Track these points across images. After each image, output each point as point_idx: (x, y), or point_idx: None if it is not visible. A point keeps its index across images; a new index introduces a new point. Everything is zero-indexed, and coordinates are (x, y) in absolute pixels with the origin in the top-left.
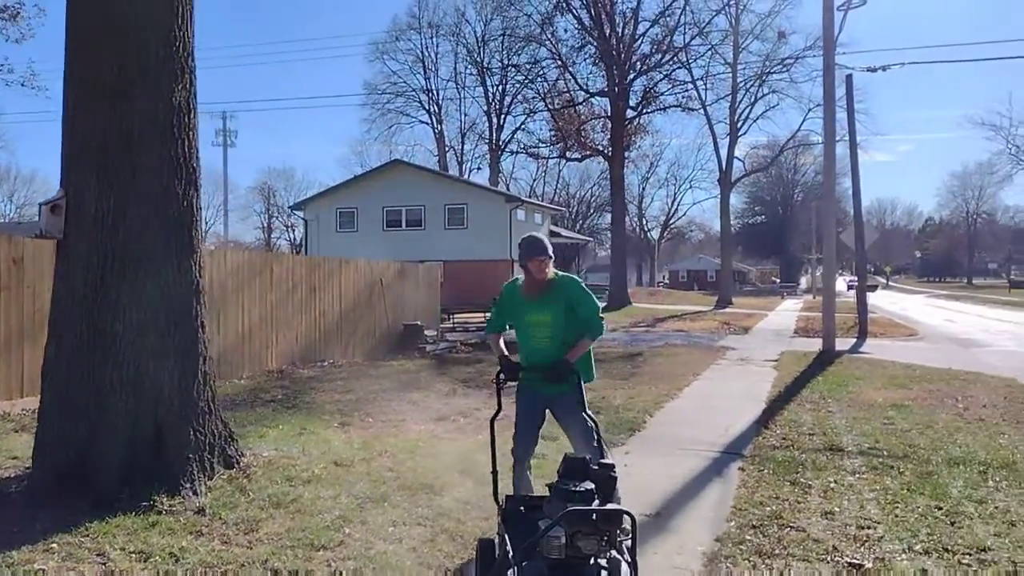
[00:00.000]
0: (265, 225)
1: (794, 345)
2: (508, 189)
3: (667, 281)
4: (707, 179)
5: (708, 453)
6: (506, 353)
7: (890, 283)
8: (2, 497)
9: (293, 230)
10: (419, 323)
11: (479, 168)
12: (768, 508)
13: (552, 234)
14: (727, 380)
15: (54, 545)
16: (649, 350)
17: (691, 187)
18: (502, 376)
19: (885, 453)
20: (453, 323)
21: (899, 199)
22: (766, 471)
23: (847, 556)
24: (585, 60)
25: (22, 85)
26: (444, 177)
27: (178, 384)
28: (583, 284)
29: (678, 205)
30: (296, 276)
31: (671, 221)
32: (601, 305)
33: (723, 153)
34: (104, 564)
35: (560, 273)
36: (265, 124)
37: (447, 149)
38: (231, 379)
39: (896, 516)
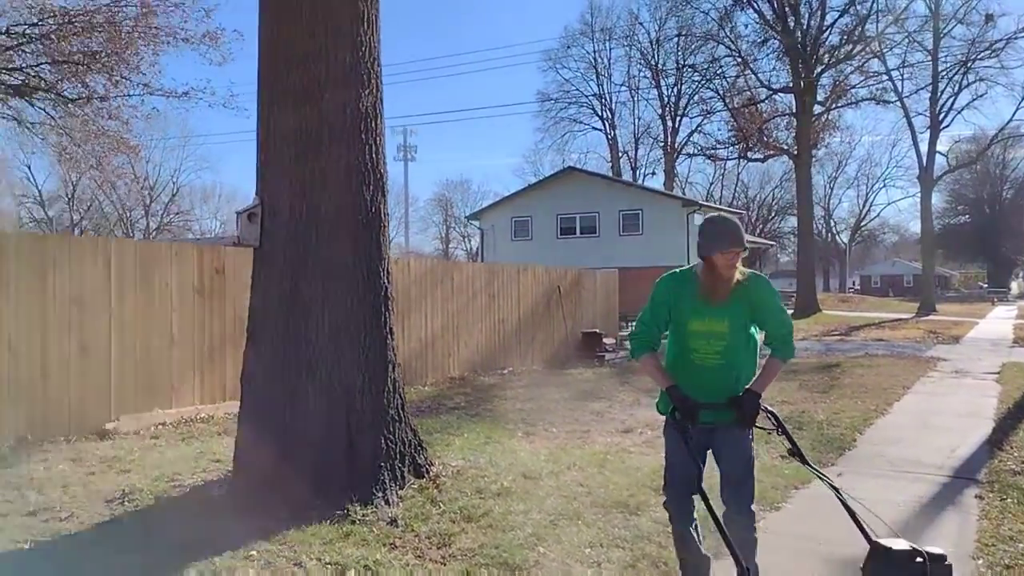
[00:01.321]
0: (443, 236)
1: (1015, 356)
2: (684, 193)
3: (858, 287)
4: (903, 177)
5: (934, 477)
6: (675, 383)
7: None
8: (206, 501)
9: (469, 240)
10: (598, 331)
11: (653, 173)
12: (1021, 544)
13: None
14: (943, 395)
15: (254, 552)
16: (847, 360)
17: (884, 186)
18: (677, 415)
19: None
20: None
21: None
22: (1010, 500)
23: None
24: (767, 55)
25: (223, 106)
26: (618, 183)
27: (369, 391)
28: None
29: (870, 206)
30: (476, 284)
31: (862, 223)
32: (788, 312)
33: (923, 148)
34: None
35: (746, 271)
36: (442, 137)
37: (621, 155)
38: (415, 386)
39: None
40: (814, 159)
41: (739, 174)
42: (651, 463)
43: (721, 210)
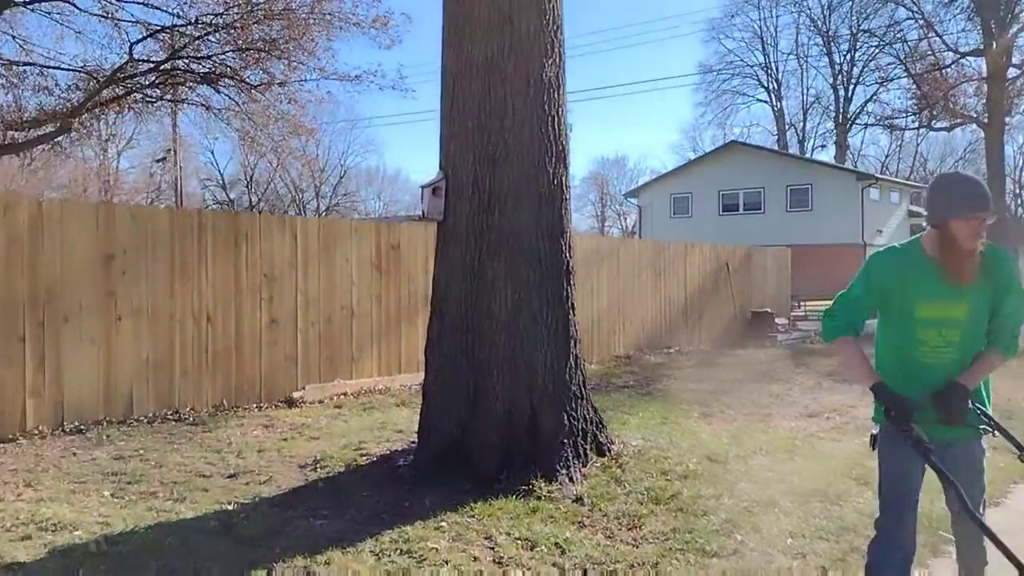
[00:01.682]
0: (599, 214)
1: None
2: (856, 167)
3: None
4: None
5: None
6: (880, 380)
7: None
8: (392, 471)
9: (625, 218)
10: (769, 310)
11: (823, 146)
12: None
13: (912, 214)
14: None
15: (443, 524)
16: None
17: None
18: (892, 414)
19: None
20: (805, 311)
21: None
22: None
23: None
24: (955, 16)
25: (392, 88)
26: (785, 156)
27: (551, 367)
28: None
29: None
30: (642, 261)
31: None
32: None
33: None
34: (492, 549)
35: (988, 243)
36: (597, 114)
37: (787, 127)
38: None
39: None
40: (1007, 127)
41: (918, 146)
42: (846, 450)
43: (903, 184)
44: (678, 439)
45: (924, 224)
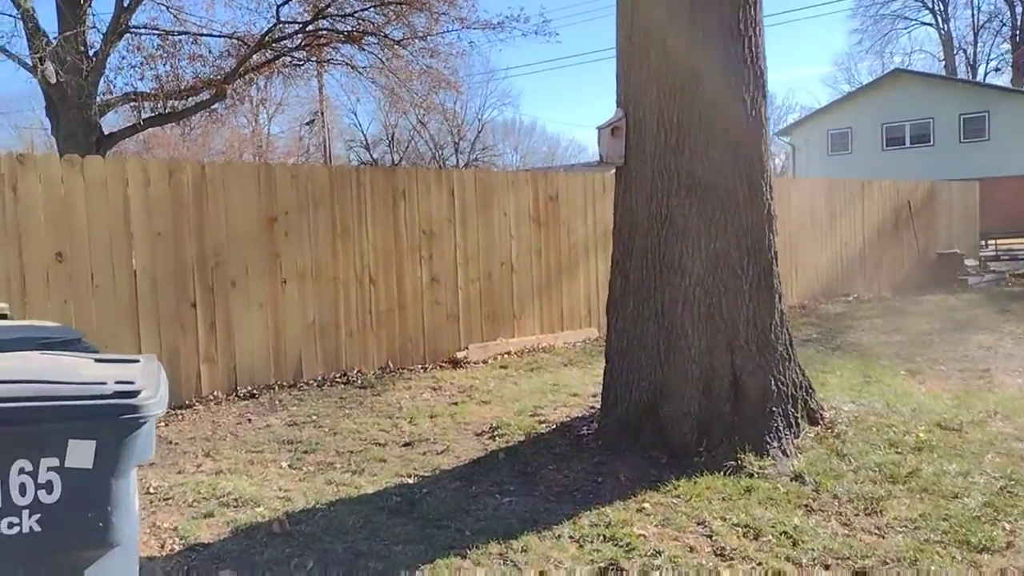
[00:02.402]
0: None
1: None
2: None
3: None
4: None
5: None
6: None
7: None
8: (576, 441)
9: (773, 159)
10: (957, 251)
11: (998, 69)
12: None
13: None
14: None
15: (646, 505)
16: None
17: None
18: None
19: None
20: (996, 250)
21: None
22: None
23: None
24: None
25: (536, 33)
26: (956, 82)
27: (754, 325)
28: None
29: None
30: (815, 203)
31: None
32: None
33: None
34: (709, 537)
35: None
36: None
37: (955, 51)
38: None
39: None
40: None
41: None
42: None
43: None
44: (894, 402)
45: None
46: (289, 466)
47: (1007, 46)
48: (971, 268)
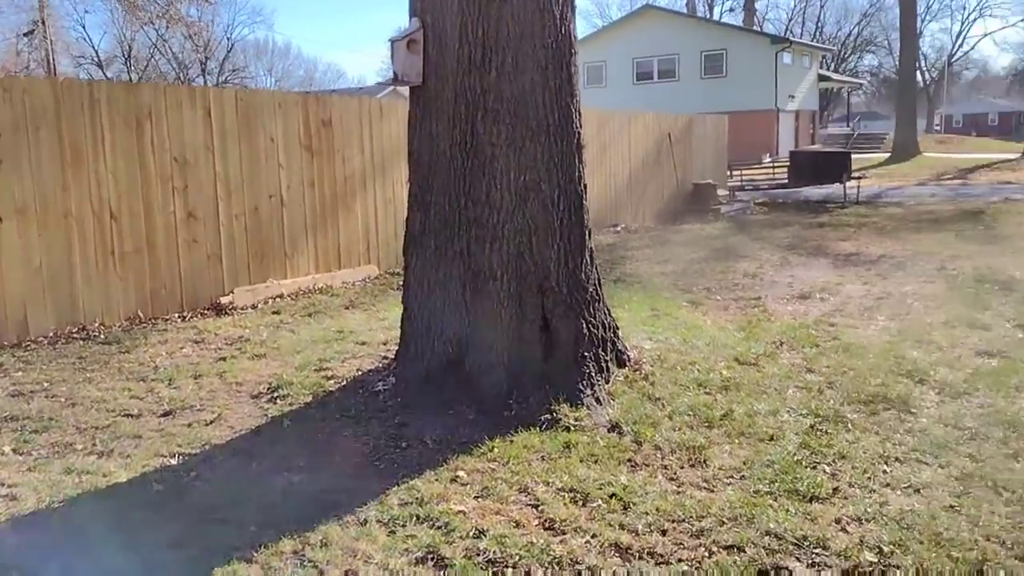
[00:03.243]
0: None
1: None
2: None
3: (939, 127)
4: (1001, 3)
5: None
6: None
7: None
8: (372, 397)
9: None
10: (711, 182)
11: (731, 10)
12: None
13: (822, 78)
14: None
15: (461, 473)
16: (985, 206)
17: (981, 16)
18: None
19: None
20: (741, 180)
21: None
22: None
23: None
24: None
25: None
26: (700, 21)
27: (566, 264)
28: None
29: (963, 39)
30: (587, 134)
31: (956, 56)
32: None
33: None
34: (535, 507)
35: None
36: None
37: None
38: None
39: None
40: None
41: (822, 8)
42: (871, 339)
43: (814, 47)
44: (689, 337)
45: (833, 88)
46: (14, 451)
47: None
48: (723, 198)
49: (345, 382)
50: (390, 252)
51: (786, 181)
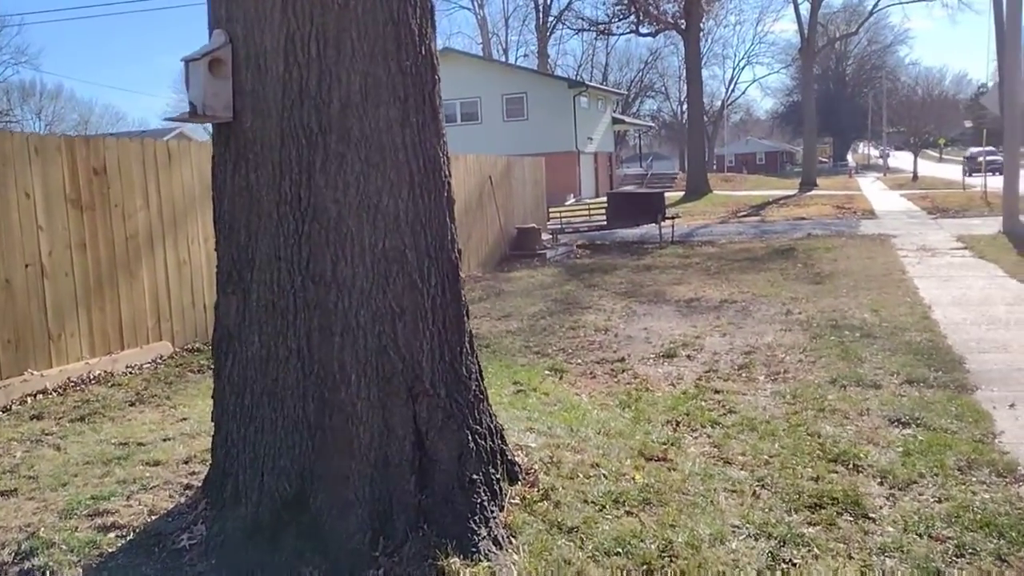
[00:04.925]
0: None
1: (950, 228)
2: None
3: (714, 166)
4: (766, 53)
5: None
6: None
7: (944, 157)
8: (172, 560)
9: None
10: (535, 226)
11: (526, 55)
12: None
13: (615, 121)
14: (953, 278)
15: None
16: (794, 243)
17: (749, 63)
18: None
19: None
20: (561, 223)
21: (948, 67)
22: None
23: None
24: None
25: None
26: (500, 65)
27: (442, 356)
28: None
29: (735, 84)
30: None
31: (729, 100)
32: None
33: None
34: None
35: None
36: None
37: (491, 35)
38: None
39: None
40: (703, 32)
41: (608, 54)
42: (770, 410)
43: (608, 91)
44: (573, 423)
45: (623, 131)
46: None
47: (531, 36)
48: (547, 241)
49: (132, 535)
50: (187, 324)
51: (604, 222)
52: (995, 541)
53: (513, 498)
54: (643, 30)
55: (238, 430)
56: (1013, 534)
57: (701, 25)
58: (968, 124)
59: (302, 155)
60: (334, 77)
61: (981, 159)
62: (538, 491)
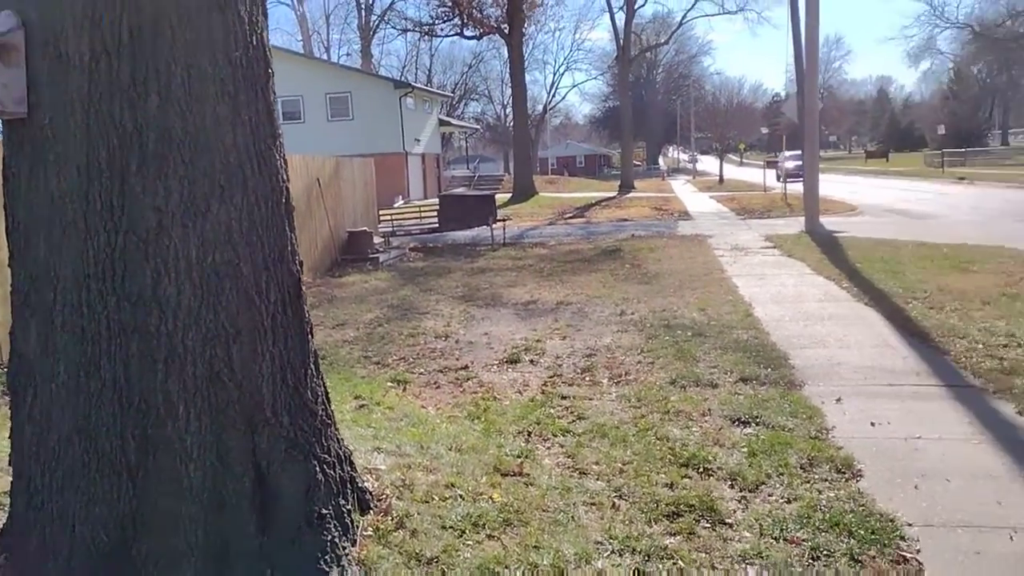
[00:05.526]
0: None
1: (758, 228)
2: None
3: (537, 168)
4: (584, 60)
5: (922, 388)
6: None
7: (744, 161)
8: None
9: None
10: (366, 229)
11: (348, 55)
12: None
13: (442, 123)
14: (767, 276)
15: None
16: (620, 244)
17: (568, 69)
18: None
19: None
20: (392, 225)
21: (746, 77)
22: None
23: None
24: None
25: None
26: (322, 63)
27: (284, 380)
28: None
29: (556, 89)
30: None
31: (551, 104)
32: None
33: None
34: None
35: None
36: None
37: (312, 33)
38: None
39: None
40: (525, 36)
41: (432, 56)
42: (617, 415)
43: (434, 93)
44: (423, 440)
45: (449, 132)
46: None
47: (354, 35)
48: (379, 245)
49: None
50: None
51: (436, 224)
52: (847, 541)
53: (366, 529)
54: (467, 33)
55: (43, 476)
56: (862, 532)
57: (524, 30)
58: (765, 131)
59: (114, 157)
60: (151, 68)
61: (793, 164)
62: (392, 519)
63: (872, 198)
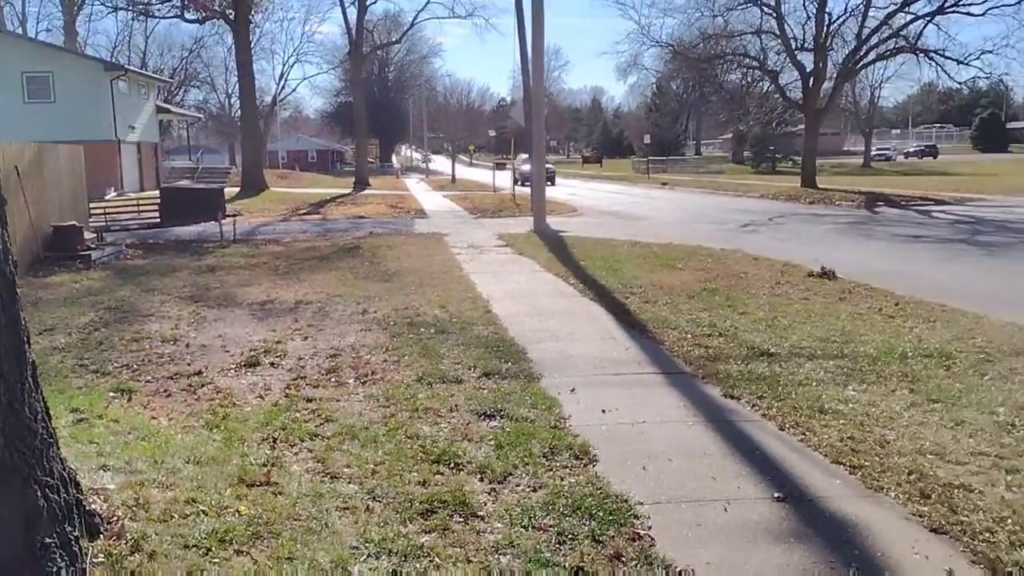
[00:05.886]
0: None
1: (491, 227)
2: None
3: (267, 162)
4: (315, 52)
5: (643, 375)
6: None
7: (473, 161)
8: None
9: None
10: (76, 223)
11: (50, 30)
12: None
13: (160, 110)
14: (501, 274)
15: None
16: (358, 241)
17: (299, 61)
18: None
19: (821, 352)
20: (107, 220)
21: (475, 81)
22: (765, 396)
23: None
24: None
25: None
26: (19, 37)
27: None
28: None
29: (286, 81)
30: None
31: (281, 96)
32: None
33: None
34: None
35: None
36: None
37: (3, 3)
38: None
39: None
40: (252, 24)
41: (147, 39)
42: (367, 415)
43: (152, 78)
44: (156, 454)
45: (169, 120)
46: None
47: (56, 8)
48: (91, 241)
49: None
50: None
51: (157, 220)
52: (588, 523)
53: (97, 556)
54: (189, 16)
55: None
56: (601, 514)
57: (251, 17)
58: (492, 133)
59: None
60: None
61: (528, 167)
62: (127, 543)
63: (590, 200)
